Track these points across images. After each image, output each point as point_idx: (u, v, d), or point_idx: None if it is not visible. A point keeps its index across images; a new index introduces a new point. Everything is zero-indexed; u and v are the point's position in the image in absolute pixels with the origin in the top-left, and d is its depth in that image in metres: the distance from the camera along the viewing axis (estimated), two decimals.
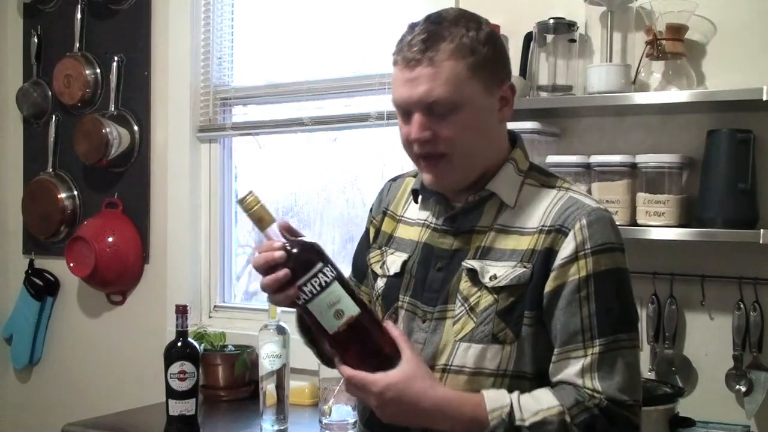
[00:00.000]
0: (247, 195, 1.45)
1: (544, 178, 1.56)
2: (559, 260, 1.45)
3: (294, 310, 1.53)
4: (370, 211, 1.75)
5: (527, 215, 1.51)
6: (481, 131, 1.50)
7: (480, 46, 1.47)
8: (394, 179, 1.75)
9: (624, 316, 1.47)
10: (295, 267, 1.43)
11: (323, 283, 1.42)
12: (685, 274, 2.22)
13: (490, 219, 1.53)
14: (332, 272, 1.43)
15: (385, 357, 1.44)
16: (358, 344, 1.45)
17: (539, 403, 1.42)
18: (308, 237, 1.48)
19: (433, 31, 1.46)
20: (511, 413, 1.40)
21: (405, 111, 1.50)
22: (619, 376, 1.43)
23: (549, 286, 1.45)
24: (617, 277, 1.47)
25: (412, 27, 1.49)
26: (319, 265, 1.43)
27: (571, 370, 1.44)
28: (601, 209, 1.50)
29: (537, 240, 1.47)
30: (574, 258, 1.44)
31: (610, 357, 1.43)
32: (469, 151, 1.49)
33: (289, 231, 1.47)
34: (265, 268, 1.44)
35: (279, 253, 1.43)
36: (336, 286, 1.43)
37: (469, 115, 1.47)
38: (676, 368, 2.23)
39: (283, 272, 1.42)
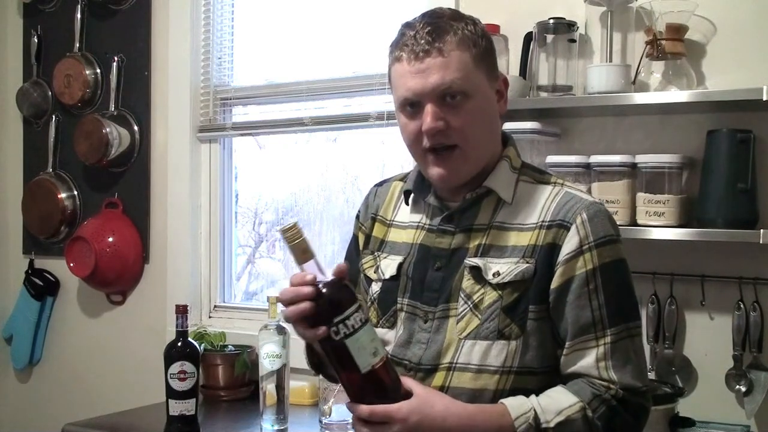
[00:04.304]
0: (291, 227, 1.39)
1: (538, 175, 1.59)
2: (563, 255, 1.47)
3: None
4: (357, 217, 1.74)
5: (525, 211, 1.53)
6: (487, 122, 1.53)
7: (479, 39, 1.52)
8: (380, 184, 1.75)
9: (630, 305, 1.51)
10: (330, 303, 1.39)
11: (362, 320, 1.39)
12: (685, 274, 2.22)
13: (487, 216, 1.54)
14: (365, 313, 1.42)
15: (405, 392, 1.43)
16: (388, 380, 1.42)
17: (559, 402, 1.44)
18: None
19: (436, 25, 1.49)
20: (536, 417, 1.42)
21: (414, 103, 1.50)
22: (630, 364, 1.47)
23: (556, 281, 1.47)
24: (620, 267, 1.50)
25: (410, 25, 1.52)
26: (356, 305, 1.40)
27: (585, 362, 1.46)
28: (598, 203, 1.54)
29: (538, 235, 1.49)
30: (579, 252, 1.47)
31: (621, 345, 1.46)
32: (478, 142, 1.52)
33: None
34: (291, 301, 1.40)
35: (307, 289, 1.39)
36: (370, 327, 1.41)
37: (478, 103, 1.50)
38: (676, 368, 2.23)
39: (304, 305, 1.39)
